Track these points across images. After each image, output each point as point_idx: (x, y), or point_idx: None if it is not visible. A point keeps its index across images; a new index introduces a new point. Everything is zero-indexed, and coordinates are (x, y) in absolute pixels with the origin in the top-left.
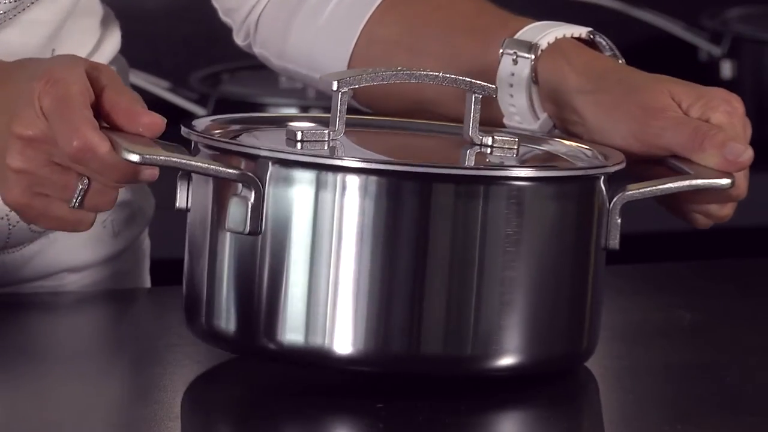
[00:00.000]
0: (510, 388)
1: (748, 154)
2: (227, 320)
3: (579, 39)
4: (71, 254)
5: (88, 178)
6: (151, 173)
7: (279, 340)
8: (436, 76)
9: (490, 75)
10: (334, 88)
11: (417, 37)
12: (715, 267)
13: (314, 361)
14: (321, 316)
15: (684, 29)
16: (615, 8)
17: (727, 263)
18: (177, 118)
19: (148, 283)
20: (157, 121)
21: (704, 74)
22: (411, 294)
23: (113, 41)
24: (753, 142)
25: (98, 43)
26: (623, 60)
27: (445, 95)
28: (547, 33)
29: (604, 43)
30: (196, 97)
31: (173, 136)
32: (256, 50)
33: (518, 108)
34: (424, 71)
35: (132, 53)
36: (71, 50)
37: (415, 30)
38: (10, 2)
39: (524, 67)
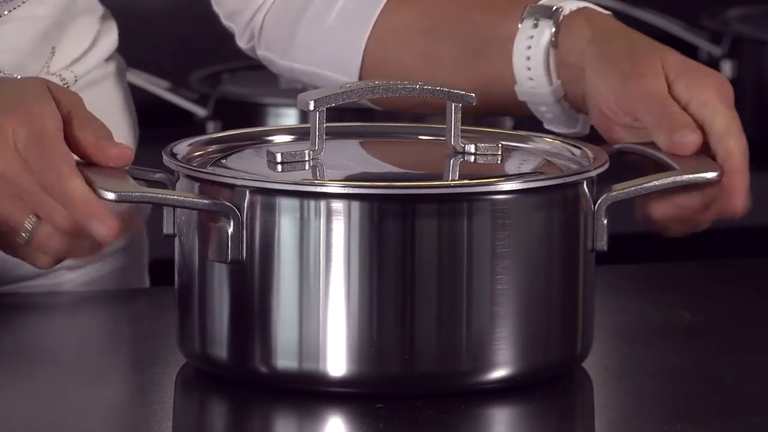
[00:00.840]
0: (510, 388)
1: (690, 138)
2: (220, 346)
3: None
4: None
5: (39, 219)
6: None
7: (272, 366)
8: (414, 88)
9: (508, 46)
10: (311, 108)
11: (432, 20)
12: (715, 267)
13: (308, 385)
14: (313, 341)
15: (684, 29)
16: (615, 8)
17: (727, 263)
18: (177, 118)
19: (146, 282)
20: (125, 152)
21: None
22: (402, 314)
23: (110, 40)
24: (753, 142)
25: (95, 41)
26: None
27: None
28: (568, 1)
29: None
30: (196, 97)
31: (173, 137)
32: (260, 52)
33: (534, 71)
34: (401, 84)
35: (132, 53)
36: (68, 48)
37: (429, 13)
38: None
39: (545, 29)
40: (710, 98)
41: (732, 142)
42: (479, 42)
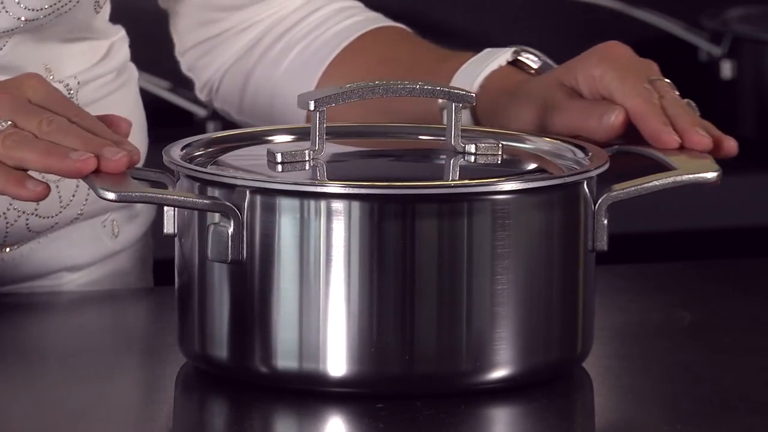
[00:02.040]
0: (510, 388)
1: (613, 118)
2: (220, 346)
3: (508, 64)
4: (69, 253)
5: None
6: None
7: (273, 366)
8: (414, 88)
9: (435, 122)
10: (312, 107)
11: None
12: (715, 267)
13: (308, 385)
14: (313, 341)
15: (684, 29)
16: (615, 8)
17: (727, 263)
18: (177, 118)
19: (151, 284)
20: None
21: (704, 74)
22: (402, 314)
23: (120, 54)
24: (753, 142)
25: (104, 55)
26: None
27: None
28: (477, 77)
29: (532, 57)
30: (196, 97)
31: (173, 137)
32: (217, 105)
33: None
34: (401, 84)
35: (132, 53)
36: (69, 65)
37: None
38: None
39: (465, 117)
40: (594, 73)
41: (627, 102)
42: (408, 119)
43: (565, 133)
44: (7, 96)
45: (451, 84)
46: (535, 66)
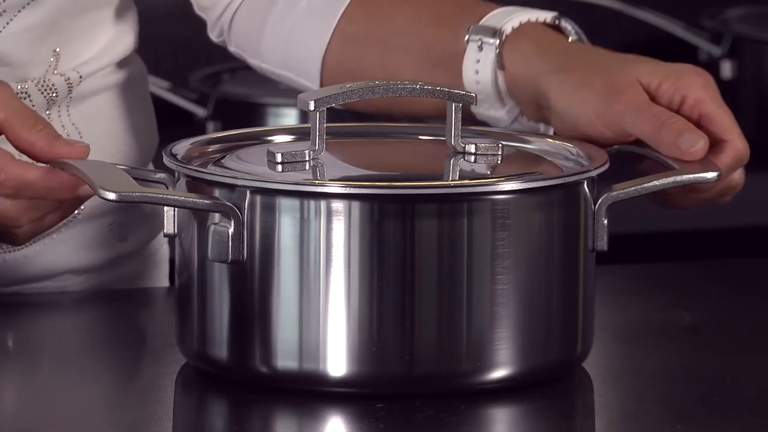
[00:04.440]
0: (510, 388)
1: (700, 145)
2: (220, 346)
3: (545, 24)
4: (74, 256)
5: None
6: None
7: (272, 366)
8: (414, 88)
9: (459, 63)
10: (312, 108)
11: (387, 32)
12: (715, 267)
13: (308, 385)
14: (313, 341)
15: (684, 29)
16: (615, 8)
17: (727, 263)
18: (177, 118)
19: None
20: (80, 150)
21: None
22: (402, 314)
23: (125, 41)
24: (753, 142)
25: (109, 41)
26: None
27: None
28: (512, 18)
29: (569, 27)
30: (196, 97)
31: (173, 137)
32: (231, 48)
33: (485, 94)
34: (401, 84)
35: None
36: (76, 47)
37: (385, 25)
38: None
39: (489, 53)
40: (700, 95)
41: (738, 141)
42: (433, 58)
43: (569, 129)
44: None
45: (483, 21)
46: (570, 38)
